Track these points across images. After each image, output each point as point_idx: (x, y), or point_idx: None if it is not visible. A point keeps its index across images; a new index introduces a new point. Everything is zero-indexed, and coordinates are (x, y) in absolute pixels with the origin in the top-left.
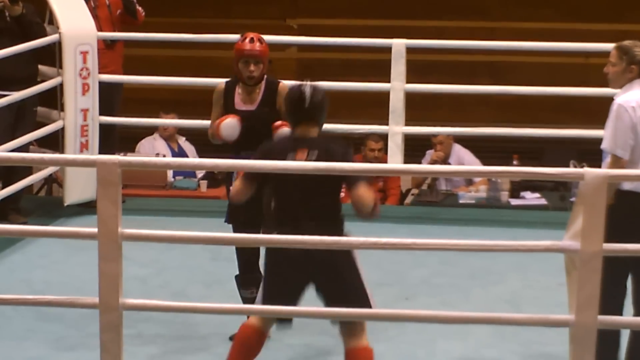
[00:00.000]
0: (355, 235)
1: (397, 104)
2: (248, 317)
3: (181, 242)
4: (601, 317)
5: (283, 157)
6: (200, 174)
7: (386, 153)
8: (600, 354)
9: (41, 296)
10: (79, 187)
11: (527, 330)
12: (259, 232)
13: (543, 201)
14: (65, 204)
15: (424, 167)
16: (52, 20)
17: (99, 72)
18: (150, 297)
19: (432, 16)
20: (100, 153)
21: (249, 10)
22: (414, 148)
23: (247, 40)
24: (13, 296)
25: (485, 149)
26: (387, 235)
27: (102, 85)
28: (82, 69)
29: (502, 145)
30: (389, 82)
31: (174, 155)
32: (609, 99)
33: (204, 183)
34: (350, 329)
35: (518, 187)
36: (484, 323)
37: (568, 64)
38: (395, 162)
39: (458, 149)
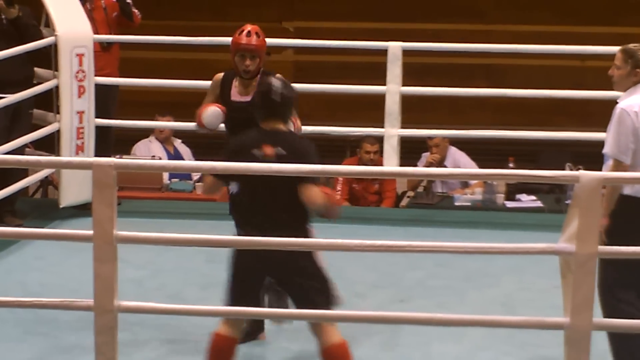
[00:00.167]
0: (350, 238)
1: (393, 106)
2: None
3: (177, 244)
4: (596, 320)
5: (251, 151)
6: (196, 176)
7: (382, 155)
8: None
9: (37, 299)
10: (74, 189)
11: (522, 333)
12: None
13: (539, 204)
14: (61, 206)
15: (420, 169)
16: (48, 23)
17: (95, 75)
18: (145, 299)
19: (429, 19)
20: (96, 155)
21: (245, 12)
22: (410, 150)
23: (244, 33)
24: (8, 298)
25: (481, 152)
26: (382, 238)
27: (98, 88)
28: (78, 72)
29: (498, 148)
30: (385, 84)
31: (170, 157)
32: (605, 102)
33: (199, 185)
34: (319, 325)
35: (514, 189)
36: (479, 325)
37: (564, 66)
38: (391, 164)
39: (454, 152)
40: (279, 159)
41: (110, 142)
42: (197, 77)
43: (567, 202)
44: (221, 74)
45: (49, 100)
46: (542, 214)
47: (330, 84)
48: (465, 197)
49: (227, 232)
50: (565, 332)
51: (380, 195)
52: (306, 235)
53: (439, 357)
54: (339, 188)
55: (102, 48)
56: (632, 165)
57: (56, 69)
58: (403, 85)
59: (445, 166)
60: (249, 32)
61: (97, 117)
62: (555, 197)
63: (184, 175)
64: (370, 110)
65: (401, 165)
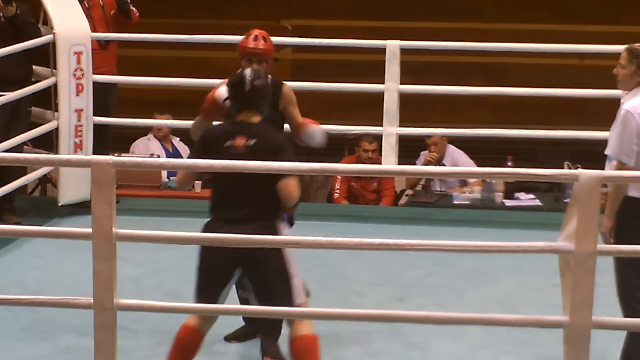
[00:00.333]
0: (348, 236)
1: (391, 105)
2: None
3: (175, 242)
4: (595, 318)
5: (222, 143)
6: None
7: (380, 154)
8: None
9: (35, 296)
10: (73, 187)
11: (521, 332)
12: None
13: (537, 202)
14: (60, 204)
15: (418, 168)
16: (46, 21)
17: (93, 73)
18: (144, 297)
19: (427, 17)
20: (94, 153)
21: (243, 11)
22: (408, 149)
23: (251, 37)
24: (7, 296)
25: (479, 150)
26: (381, 236)
27: (96, 86)
28: (76, 70)
29: (497, 147)
30: (384, 83)
31: (168, 155)
32: (604, 100)
33: (198, 183)
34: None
35: (512, 188)
36: (478, 324)
37: (562, 65)
38: (389, 163)
39: (452, 150)
40: (250, 151)
41: (109, 140)
42: (195, 75)
43: (565, 200)
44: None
45: (47, 98)
46: (540, 212)
47: (328, 82)
48: (464, 195)
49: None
50: (565, 331)
51: (378, 194)
52: (276, 230)
53: (437, 355)
54: (337, 186)
55: (100, 46)
56: (635, 167)
57: (54, 67)
58: (401, 83)
59: (443, 165)
60: (255, 36)
61: (95, 115)
62: (554, 195)
63: None
64: (369, 108)
65: (400, 163)
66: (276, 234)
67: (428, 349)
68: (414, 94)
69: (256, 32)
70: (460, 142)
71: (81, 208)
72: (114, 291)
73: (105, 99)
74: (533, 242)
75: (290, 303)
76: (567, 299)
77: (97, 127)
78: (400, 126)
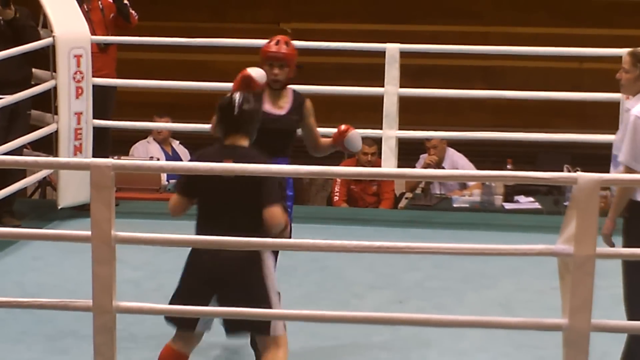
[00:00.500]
0: (348, 239)
1: (390, 108)
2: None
3: (175, 245)
4: (594, 321)
5: None
6: None
7: (380, 157)
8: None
9: (35, 299)
10: (72, 190)
11: (520, 334)
12: None
13: (537, 205)
14: (59, 207)
15: (418, 171)
16: (46, 24)
17: (93, 76)
18: (143, 300)
19: (426, 21)
20: (93, 156)
21: (243, 14)
22: (408, 152)
23: (273, 42)
24: (6, 299)
25: (479, 153)
26: (380, 239)
27: (96, 89)
28: (75, 73)
29: (496, 150)
30: (383, 86)
31: (168, 158)
32: (603, 103)
33: None
34: (266, 343)
35: (512, 191)
36: (477, 327)
37: (562, 68)
38: (389, 166)
39: (452, 153)
40: (236, 175)
41: (108, 143)
42: (195, 79)
43: (565, 203)
44: None
45: (47, 101)
46: (540, 215)
47: (327, 86)
48: (464, 198)
49: None
50: (564, 334)
51: (378, 197)
52: (260, 255)
53: (437, 358)
54: (337, 189)
55: (99, 49)
56: None
57: (54, 70)
58: (401, 86)
59: (443, 168)
60: (278, 41)
61: (95, 118)
62: (554, 198)
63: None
64: (368, 111)
65: (399, 166)
66: (259, 261)
67: (427, 352)
68: (413, 97)
69: (278, 37)
70: (460, 145)
71: (81, 211)
72: (113, 294)
73: (105, 101)
74: (532, 245)
75: (266, 333)
76: (567, 301)
77: (97, 130)
78: (399, 129)
